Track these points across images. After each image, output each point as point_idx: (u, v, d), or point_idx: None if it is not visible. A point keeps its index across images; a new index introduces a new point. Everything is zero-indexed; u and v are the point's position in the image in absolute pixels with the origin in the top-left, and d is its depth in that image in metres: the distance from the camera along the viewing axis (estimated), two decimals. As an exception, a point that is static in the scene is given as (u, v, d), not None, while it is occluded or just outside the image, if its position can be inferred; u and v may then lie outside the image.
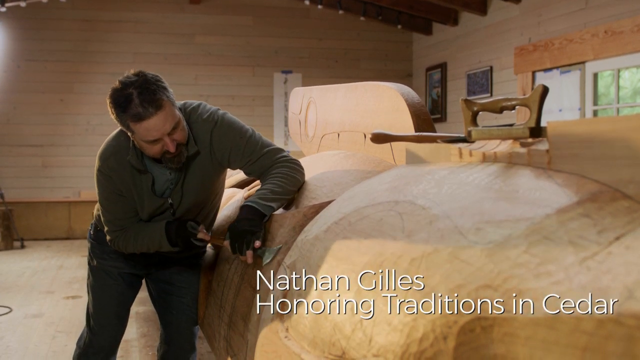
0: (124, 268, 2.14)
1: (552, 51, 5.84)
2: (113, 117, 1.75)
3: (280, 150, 1.98)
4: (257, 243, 1.71)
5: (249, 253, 1.72)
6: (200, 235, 1.89)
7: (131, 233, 1.96)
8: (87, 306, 2.21)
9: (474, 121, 1.35)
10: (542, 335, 0.78)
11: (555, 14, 5.95)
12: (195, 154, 1.87)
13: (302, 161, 2.20)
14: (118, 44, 7.80)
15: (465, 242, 0.95)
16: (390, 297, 0.99)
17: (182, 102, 1.92)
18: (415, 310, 0.94)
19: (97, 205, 2.11)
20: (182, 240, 1.89)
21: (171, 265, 2.15)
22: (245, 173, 2.01)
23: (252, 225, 1.75)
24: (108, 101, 1.74)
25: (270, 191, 1.84)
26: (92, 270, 2.16)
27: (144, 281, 2.27)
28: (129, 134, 1.79)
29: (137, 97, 1.68)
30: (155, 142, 1.74)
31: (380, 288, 1.02)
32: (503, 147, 1.22)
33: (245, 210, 1.79)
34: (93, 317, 2.15)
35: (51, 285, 4.99)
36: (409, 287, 0.97)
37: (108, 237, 2.00)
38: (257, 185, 2.46)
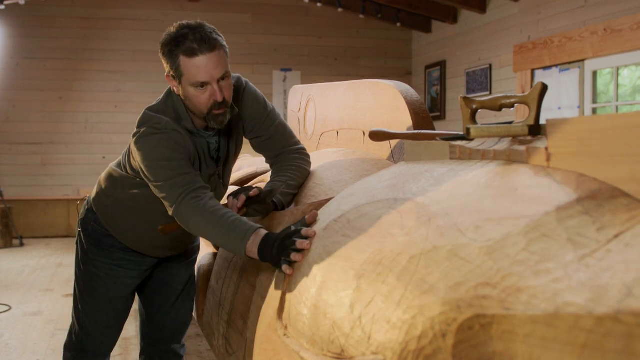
0: (136, 277, 2.05)
1: (552, 49, 5.84)
2: (165, 59, 1.70)
3: (293, 135, 2.00)
4: (255, 191, 1.75)
5: (242, 197, 1.74)
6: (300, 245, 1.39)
7: (205, 212, 1.63)
8: (79, 308, 2.07)
9: (473, 119, 1.35)
10: (541, 333, 0.78)
11: (555, 11, 5.95)
12: (234, 118, 1.84)
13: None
14: (117, 42, 7.80)
15: (464, 240, 0.95)
16: (389, 294, 0.99)
17: None
18: (414, 307, 0.94)
19: (95, 190, 2.02)
20: (280, 250, 1.44)
21: (168, 265, 2.13)
22: (254, 146, 2.00)
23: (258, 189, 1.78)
24: (161, 42, 1.71)
25: (285, 184, 1.85)
26: (95, 279, 2.03)
27: None
28: (176, 81, 1.71)
29: (192, 35, 1.67)
30: (203, 89, 1.69)
31: (379, 286, 1.02)
32: (502, 144, 1.22)
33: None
34: (93, 324, 2.06)
35: (50, 283, 4.99)
36: (408, 285, 0.97)
37: (173, 204, 1.68)
38: (256, 182, 2.46)
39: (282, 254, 1.40)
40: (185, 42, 1.66)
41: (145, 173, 1.73)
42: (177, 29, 1.70)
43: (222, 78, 1.70)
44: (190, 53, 1.66)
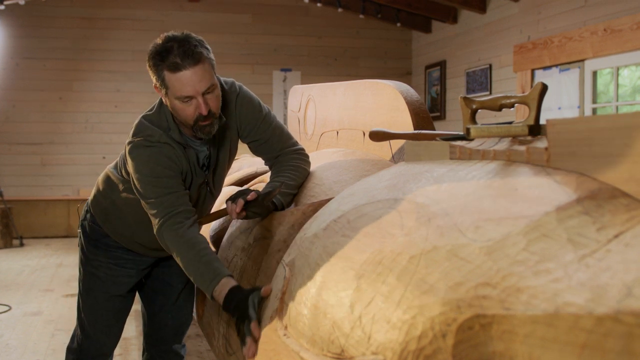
0: (134, 276, 2.06)
1: (552, 49, 5.84)
2: (151, 71, 1.72)
3: (291, 136, 2.00)
4: (252, 194, 1.75)
5: (240, 202, 1.74)
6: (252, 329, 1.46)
7: (183, 244, 1.69)
8: (81, 309, 2.09)
9: (472, 119, 1.35)
10: (540, 333, 0.78)
11: (555, 11, 5.95)
12: (225, 126, 1.85)
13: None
14: (117, 42, 7.80)
15: (464, 240, 0.95)
16: (389, 294, 0.99)
17: None
18: (414, 307, 0.94)
19: (93, 192, 2.04)
20: (237, 309, 1.51)
21: (169, 264, 2.13)
22: (252, 150, 2.00)
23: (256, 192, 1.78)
24: (148, 53, 1.72)
25: (283, 185, 1.85)
26: (94, 278, 2.05)
27: None
28: (162, 92, 1.73)
29: (177, 49, 1.67)
30: (188, 102, 1.70)
31: (379, 286, 1.02)
32: (502, 144, 1.22)
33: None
34: (93, 325, 2.07)
35: (50, 283, 4.99)
36: (408, 285, 0.97)
37: (156, 225, 1.74)
38: (256, 183, 2.46)
39: (238, 333, 1.48)
40: (169, 57, 1.67)
41: (136, 185, 1.78)
42: (162, 41, 1.70)
43: (208, 91, 1.70)
44: (173, 68, 1.67)
